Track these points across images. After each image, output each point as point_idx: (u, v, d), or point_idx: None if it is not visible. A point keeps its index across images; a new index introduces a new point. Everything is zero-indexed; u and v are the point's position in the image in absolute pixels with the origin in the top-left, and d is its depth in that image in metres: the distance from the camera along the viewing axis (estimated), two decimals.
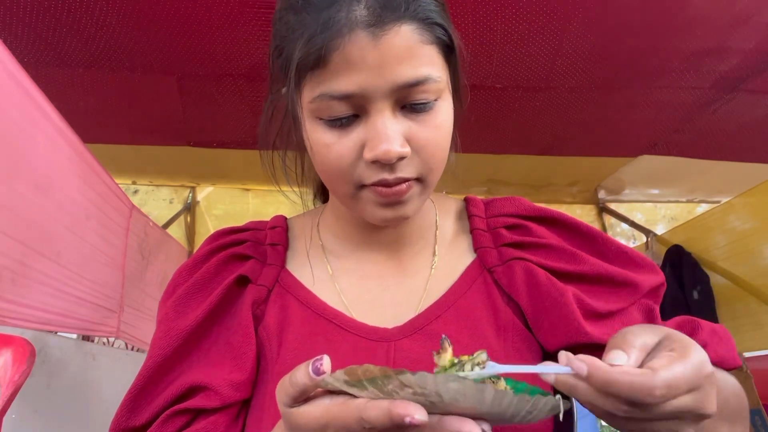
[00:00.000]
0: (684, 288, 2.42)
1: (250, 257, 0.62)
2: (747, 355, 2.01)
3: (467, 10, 1.49)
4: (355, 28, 0.47)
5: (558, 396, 0.38)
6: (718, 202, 2.80)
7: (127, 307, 1.90)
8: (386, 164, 0.51)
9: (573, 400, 0.41)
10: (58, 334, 1.54)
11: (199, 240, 3.01)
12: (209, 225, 3.03)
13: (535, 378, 0.41)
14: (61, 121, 1.36)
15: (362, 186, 0.53)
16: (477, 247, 0.64)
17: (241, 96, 1.91)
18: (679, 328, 0.57)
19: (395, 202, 0.54)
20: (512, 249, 0.62)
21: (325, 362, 0.37)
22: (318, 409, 0.38)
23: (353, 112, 0.51)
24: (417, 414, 0.33)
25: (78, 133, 1.44)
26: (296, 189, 0.68)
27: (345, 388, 0.37)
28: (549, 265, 0.60)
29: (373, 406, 0.34)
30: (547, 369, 0.39)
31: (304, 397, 0.39)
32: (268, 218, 0.69)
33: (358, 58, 0.48)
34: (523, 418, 0.38)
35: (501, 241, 0.63)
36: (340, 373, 0.37)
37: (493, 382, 0.41)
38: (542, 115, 2.03)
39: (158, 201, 2.99)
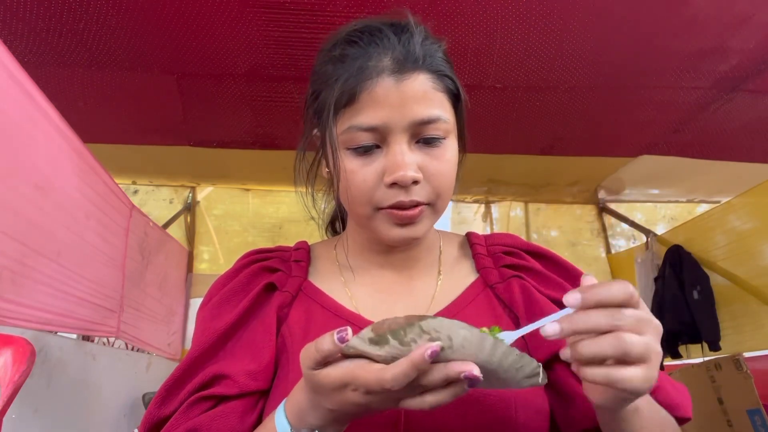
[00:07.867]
0: (684, 288, 2.42)
1: (277, 270, 0.71)
2: (747, 355, 2.00)
3: (468, 10, 1.49)
4: (382, 73, 0.59)
5: (540, 364, 0.45)
6: (718, 202, 2.80)
7: (127, 307, 1.90)
8: (402, 187, 0.60)
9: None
10: (58, 334, 1.54)
11: (199, 240, 3.01)
12: (209, 225, 3.02)
13: None
14: (61, 121, 1.36)
15: (379, 208, 0.62)
16: (480, 268, 0.72)
17: (241, 96, 1.91)
18: None
19: (408, 222, 0.62)
20: (511, 270, 0.71)
21: (349, 333, 0.45)
22: (339, 371, 0.45)
23: (376, 143, 0.60)
24: (434, 344, 0.40)
25: (78, 133, 1.44)
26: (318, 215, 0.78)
27: (367, 347, 0.43)
28: (541, 290, 0.68)
29: (393, 365, 0.41)
30: (548, 319, 0.47)
31: (326, 362, 0.46)
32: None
33: (383, 98, 0.59)
34: (512, 376, 0.44)
35: (501, 262, 0.72)
36: (366, 331, 0.43)
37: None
38: (542, 115, 2.03)
39: (158, 201, 2.99)
